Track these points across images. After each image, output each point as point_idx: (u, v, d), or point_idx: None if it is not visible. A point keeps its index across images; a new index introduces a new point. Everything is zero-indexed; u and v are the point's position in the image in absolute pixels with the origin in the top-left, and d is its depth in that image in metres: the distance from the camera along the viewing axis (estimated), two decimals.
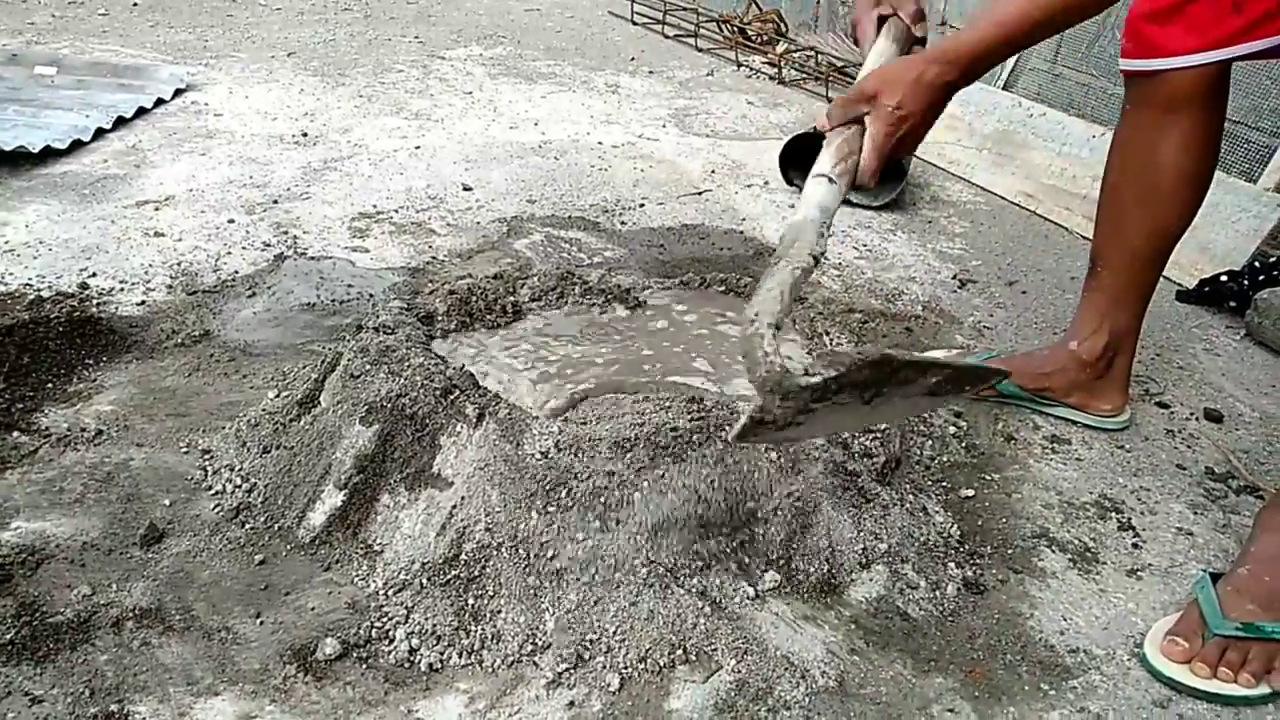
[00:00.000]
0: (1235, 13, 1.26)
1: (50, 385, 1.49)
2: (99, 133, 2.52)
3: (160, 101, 2.81)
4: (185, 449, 1.38)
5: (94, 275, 1.82)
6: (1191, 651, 1.11)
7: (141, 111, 2.71)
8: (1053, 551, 1.31)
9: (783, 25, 4.03)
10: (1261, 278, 1.97)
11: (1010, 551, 1.30)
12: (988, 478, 1.44)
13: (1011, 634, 1.16)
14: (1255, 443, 1.58)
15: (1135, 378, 1.72)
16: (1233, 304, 1.98)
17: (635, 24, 4.30)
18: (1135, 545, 1.33)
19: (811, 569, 1.20)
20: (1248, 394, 1.71)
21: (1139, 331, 1.54)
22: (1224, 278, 2.01)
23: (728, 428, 1.22)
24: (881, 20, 1.26)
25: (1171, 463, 1.51)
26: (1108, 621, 1.20)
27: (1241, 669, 1.09)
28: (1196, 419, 1.63)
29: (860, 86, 1.12)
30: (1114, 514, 1.39)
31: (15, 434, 1.37)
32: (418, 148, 2.63)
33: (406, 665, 1.06)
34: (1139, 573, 1.28)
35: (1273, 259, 2.01)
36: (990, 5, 1.15)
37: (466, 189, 2.38)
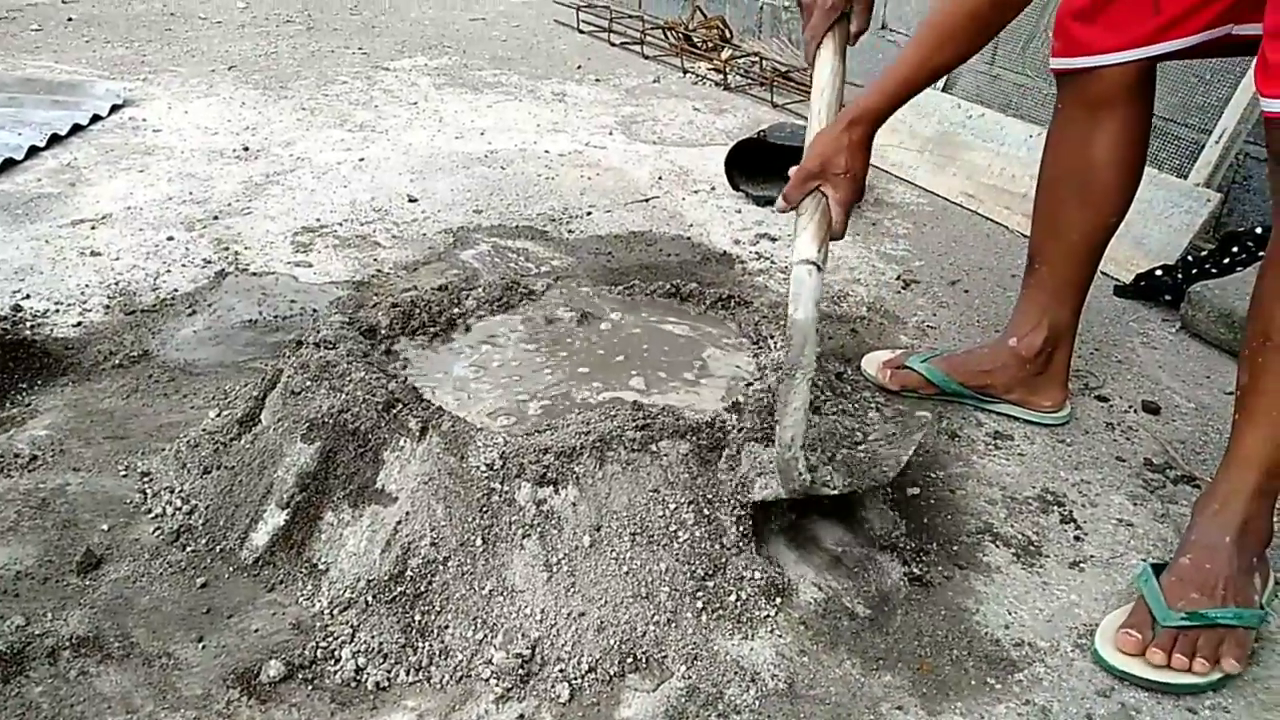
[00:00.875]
0: (1155, 13, 1.30)
1: None
2: (32, 150, 2.47)
3: (96, 118, 2.76)
4: (124, 472, 1.35)
5: (28, 297, 1.78)
6: (1144, 643, 1.12)
7: (77, 128, 2.66)
8: (997, 546, 1.33)
9: (727, 31, 4.06)
10: (1195, 271, 2.02)
11: (955, 548, 1.32)
12: (932, 475, 1.46)
13: (958, 629, 1.18)
14: (1191, 433, 1.61)
15: (1075, 372, 1.76)
16: (1168, 298, 2.03)
17: (581, 32, 4.31)
18: (1077, 538, 1.35)
19: (758, 572, 1.20)
20: (1184, 386, 1.75)
21: (1077, 327, 1.57)
22: (1159, 272, 2.06)
23: (671, 439, 1.23)
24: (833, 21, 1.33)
25: (1111, 455, 1.54)
26: (1051, 614, 1.22)
27: (1194, 657, 1.10)
28: (1135, 411, 1.67)
29: (807, 167, 1.25)
30: (1056, 507, 1.41)
31: None
32: (362, 160, 2.61)
33: (353, 685, 1.05)
34: (1081, 565, 1.30)
35: (1204, 253, 2.06)
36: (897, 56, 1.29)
37: (412, 200, 2.37)
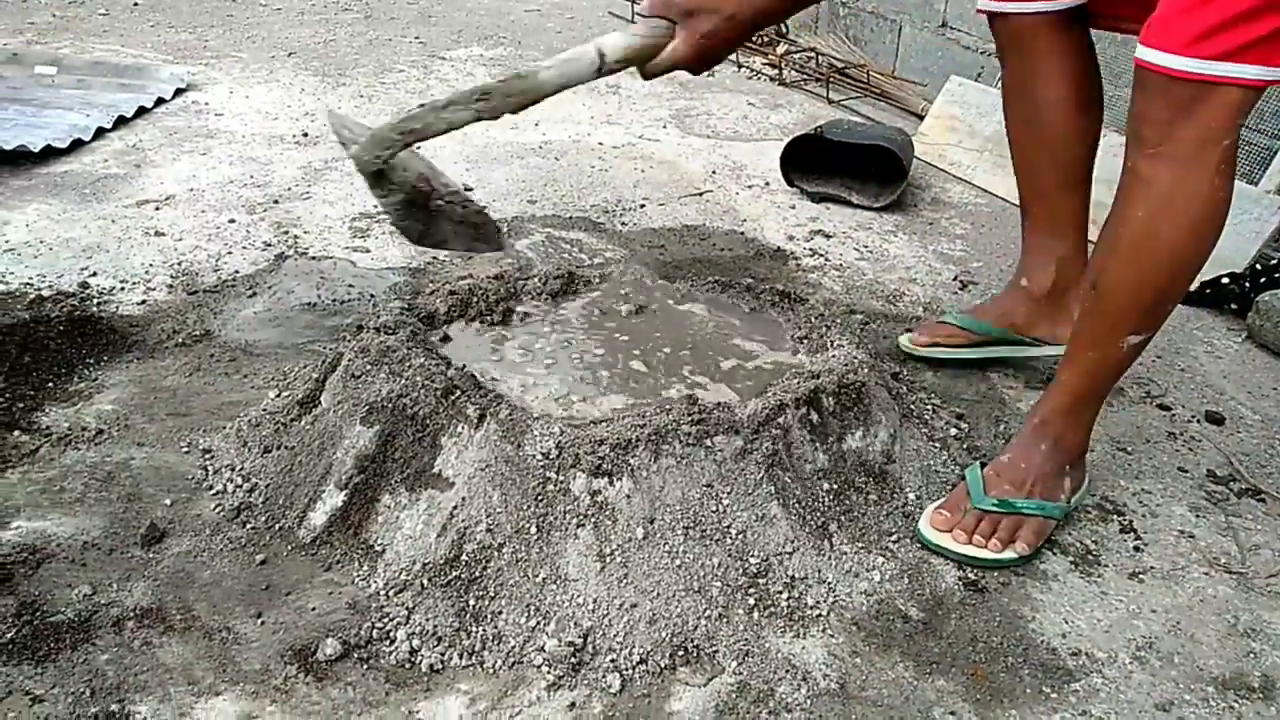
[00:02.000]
0: None
1: (51, 384, 1.49)
2: (99, 132, 2.52)
3: (161, 101, 2.81)
4: (186, 449, 1.38)
5: (94, 274, 1.82)
6: (953, 522, 1.27)
7: (142, 111, 2.71)
8: (1054, 554, 1.31)
9: (784, 26, 4.03)
10: (1263, 280, 1.97)
11: None
12: None
13: (1013, 636, 1.16)
14: (1256, 445, 1.57)
15: (1136, 380, 1.73)
16: (1234, 306, 1.98)
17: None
18: (1137, 548, 1.33)
19: (814, 570, 1.20)
20: (1249, 396, 1.71)
21: (1085, 260, 1.58)
22: (1225, 280, 2.01)
23: (724, 434, 1.22)
24: None
25: (1173, 465, 1.51)
26: (1109, 624, 1.19)
27: (992, 537, 1.26)
28: (1198, 421, 1.63)
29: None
30: (1115, 516, 1.39)
31: (16, 433, 1.37)
32: (419, 148, 2.63)
33: (407, 666, 1.06)
34: (1140, 575, 1.28)
35: (1274, 261, 2.01)
36: None
37: (468, 189, 2.38)
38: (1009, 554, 1.26)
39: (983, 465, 1.34)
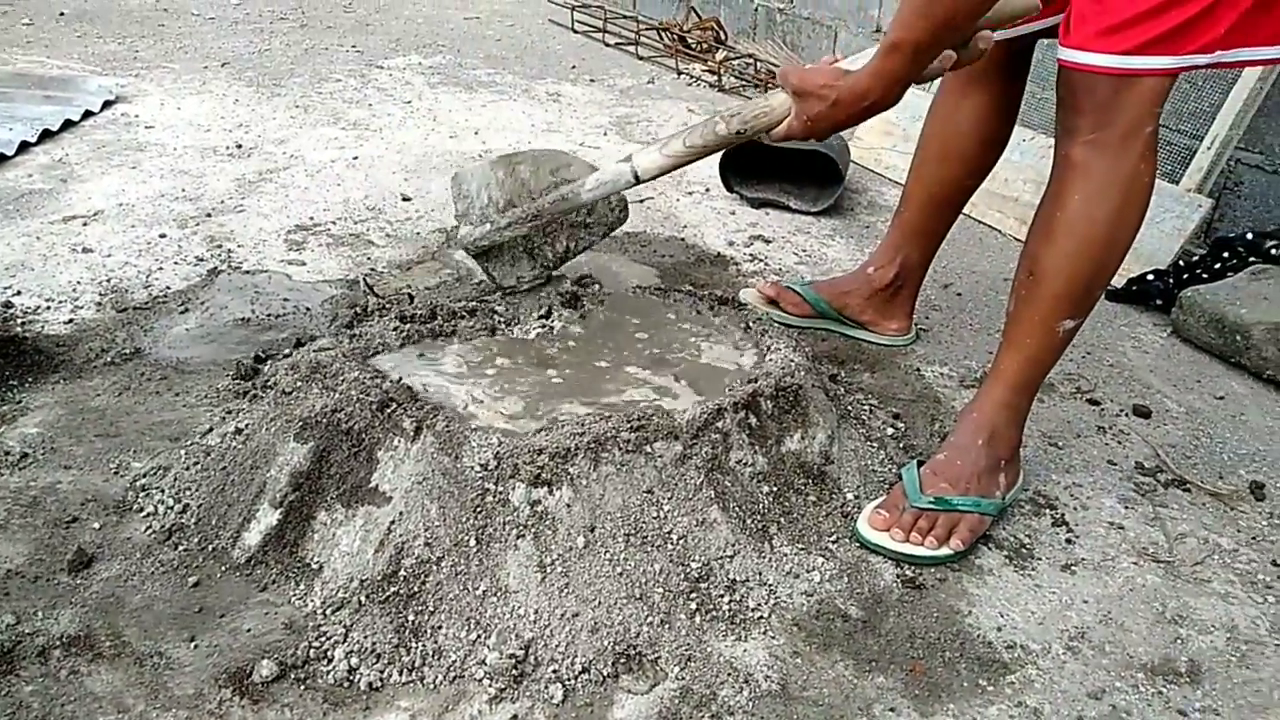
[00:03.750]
0: None
1: None
2: (23, 146, 2.46)
3: (88, 114, 2.75)
4: (115, 470, 1.34)
5: (19, 294, 1.77)
6: (891, 521, 1.30)
7: (69, 124, 2.65)
8: (989, 549, 1.33)
9: (722, 33, 4.06)
10: (1186, 276, 2.03)
11: None
12: None
13: (950, 631, 1.18)
14: (1182, 437, 1.62)
15: (1067, 375, 1.77)
16: (1159, 302, 2.04)
17: (576, 32, 4.31)
18: (1069, 540, 1.36)
19: (755, 573, 1.21)
20: (1175, 390, 1.76)
21: (926, 269, 1.80)
22: (1150, 276, 2.07)
23: (664, 440, 1.23)
24: None
25: (1103, 459, 1.55)
26: (1043, 616, 1.22)
27: (929, 534, 1.28)
28: (1126, 415, 1.67)
29: (797, 79, 1.32)
30: (1048, 510, 1.42)
31: None
32: (355, 158, 2.60)
33: (346, 685, 1.05)
34: (1072, 567, 1.31)
35: (1195, 258, 2.07)
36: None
37: (406, 199, 2.36)
38: (945, 551, 1.28)
39: (920, 464, 1.37)
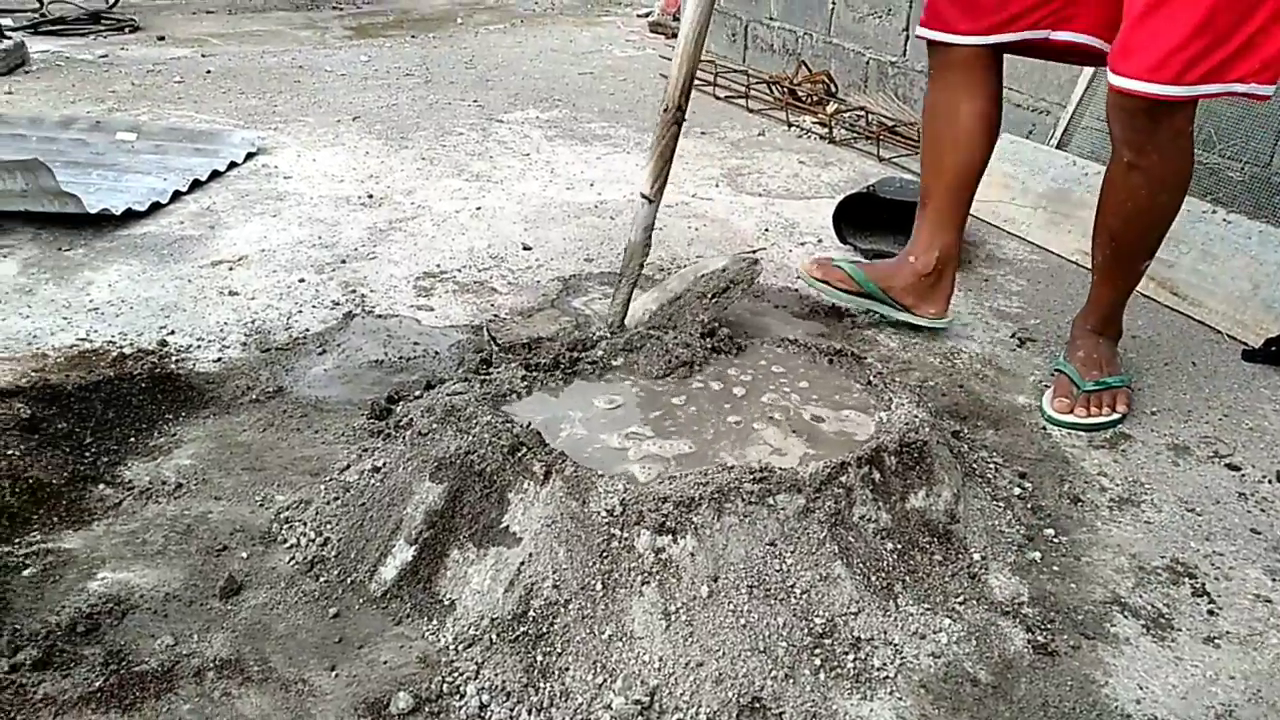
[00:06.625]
0: (1000, 8, 1.73)
1: (133, 439, 1.55)
2: (176, 195, 2.63)
3: (233, 165, 2.92)
4: (261, 502, 1.42)
5: (173, 333, 1.89)
6: (1072, 404, 1.73)
7: (215, 174, 2.82)
8: (1125, 617, 1.28)
9: (833, 85, 4.09)
10: None
11: (1081, 617, 1.28)
12: (1055, 540, 1.42)
13: (1086, 702, 1.14)
14: None
15: (1204, 438, 1.71)
16: None
17: None
18: (1211, 612, 1.30)
19: (880, 631, 1.19)
20: None
21: (960, 250, 2.04)
22: None
23: (786, 492, 1.24)
24: None
25: (1245, 527, 1.48)
26: (1185, 691, 1.17)
27: (1101, 407, 1.73)
28: (1269, 481, 1.60)
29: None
30: (1187, 579, 1.36)
31: (101, 486, 1.43)
32: (479, 208, 2.70)
33: None
34: (1216, 640, 1.25)
35: None
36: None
37: (526, 248, 2.44)
38: (1115, 415, 1.73)
39: (1065, 362, 1.80)
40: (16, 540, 1.30)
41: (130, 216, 2.44)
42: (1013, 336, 2.08)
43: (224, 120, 3.44)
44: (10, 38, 4.11)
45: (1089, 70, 2.79)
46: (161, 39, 4.92)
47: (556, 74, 4.58)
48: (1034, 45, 1.77)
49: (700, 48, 1.61)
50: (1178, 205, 1.66)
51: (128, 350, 1.80)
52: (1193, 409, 1.81)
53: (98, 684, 1.07)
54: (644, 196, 1.70)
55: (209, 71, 4.21)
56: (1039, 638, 1.23)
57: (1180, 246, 2.26)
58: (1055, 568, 1.37)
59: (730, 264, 1.86)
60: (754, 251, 2.51)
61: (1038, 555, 1.38)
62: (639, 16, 6.18)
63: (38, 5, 5.19)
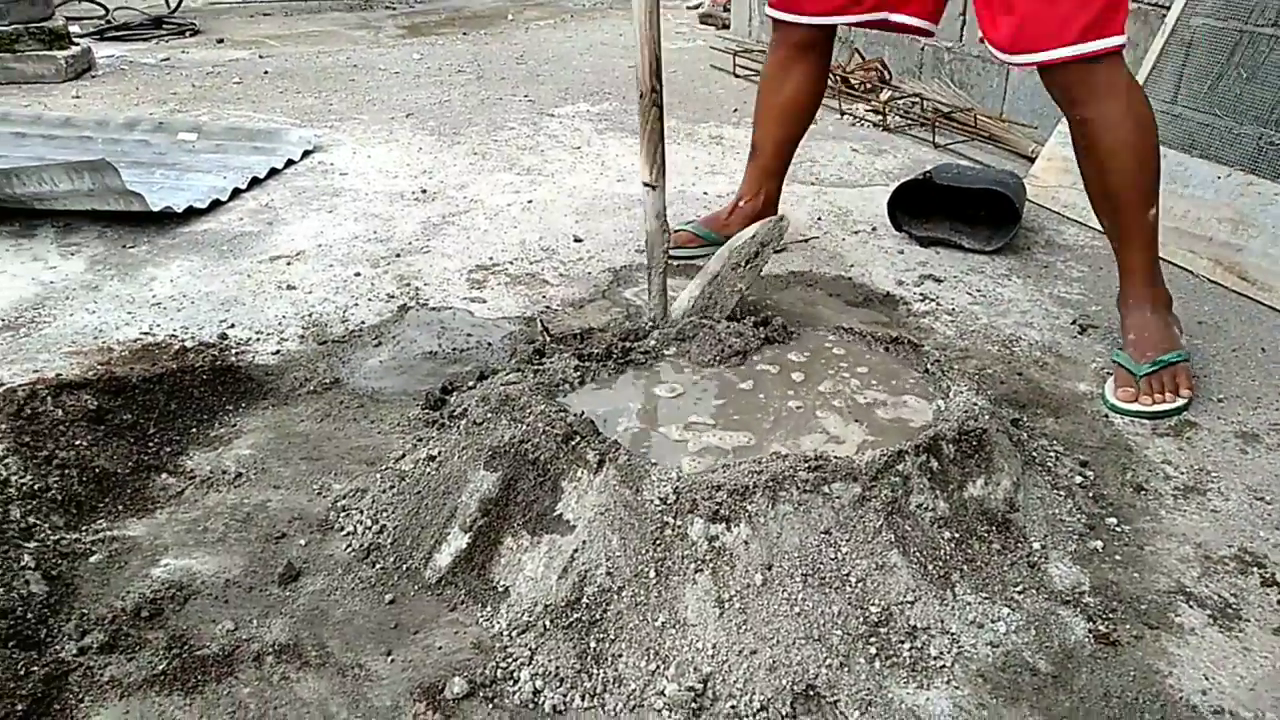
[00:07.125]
0: None
1: (194, 430, 1.59)
2: (235, 193, 2.69)
3: (290, 162, 2.98)
4: (318, 491, 1.44)
5: (233, 326, 1.93)
6: (1135, 393, 1.67)
7: (273, 172, 2.88)
8: (1190, 607, 1.25)
9: (886, 73, 4.03)
10: None
11: (1144, 606, 1.25)
12: (1118, 529, 1.39)
13: (1149, 692, 1.11)
14: None
15: (1274, 426, 1.65)
16: None
17: (737, 77, 4.36)
18: None
19: (936, 620, 1.18)
20: None
21: (779, 195, 2.36)
22: None
23: (842, 480, 1.22)
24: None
25: None
26: (1254, 682, 1.13)
27: (1164, 391, 1.66)
28: None
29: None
30: (1256, 569, 1.32)
31: (164, 475, 1.46)
32: (530, 202, 2.72)
33: (531, 706, 1.09)
34: None
35: None
36: None
37: (577, 240, 2.45)
38: (1180, 401, 1.65)
39: (1120, 351, 1.76)
40: (84, 528, 1.34)
41: (192, 214, 2.50)
42: (1073, 323, 2.04)
43: (281, 119, 3.51)
44: (77, 44, 4.24)
45: (1156, 46, 2.70)
46: (220, 42, 5.03)
47: (606, 68, 4.58)
48: (874, 24, 2.01)
49: (655, 28, 1.55)
50: (1149, 142, 1.69)
51: (189, 343, 1.84)
52: (1262, 395, 1.75)
53: (161, 667, 1.10)
54: (646, 184, 1.70)
55: (266, 72, 4.30)
56: (1100, 627, 1.20)
57: (1249, 230, 2.19)
58: (1118, 557, 1.33)
59: (759, 229, 1.86)
60: (805, 240, 2.49)
61: (1099, 544, 1.35)
62: (689, 8, 6.16)
63: (103, 12, 5.34)
